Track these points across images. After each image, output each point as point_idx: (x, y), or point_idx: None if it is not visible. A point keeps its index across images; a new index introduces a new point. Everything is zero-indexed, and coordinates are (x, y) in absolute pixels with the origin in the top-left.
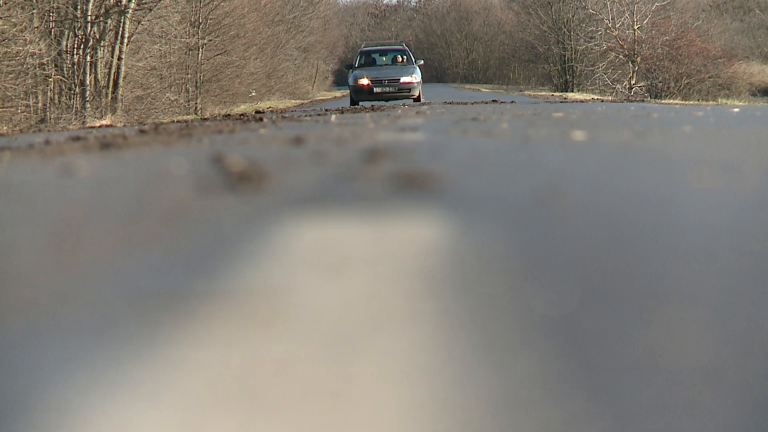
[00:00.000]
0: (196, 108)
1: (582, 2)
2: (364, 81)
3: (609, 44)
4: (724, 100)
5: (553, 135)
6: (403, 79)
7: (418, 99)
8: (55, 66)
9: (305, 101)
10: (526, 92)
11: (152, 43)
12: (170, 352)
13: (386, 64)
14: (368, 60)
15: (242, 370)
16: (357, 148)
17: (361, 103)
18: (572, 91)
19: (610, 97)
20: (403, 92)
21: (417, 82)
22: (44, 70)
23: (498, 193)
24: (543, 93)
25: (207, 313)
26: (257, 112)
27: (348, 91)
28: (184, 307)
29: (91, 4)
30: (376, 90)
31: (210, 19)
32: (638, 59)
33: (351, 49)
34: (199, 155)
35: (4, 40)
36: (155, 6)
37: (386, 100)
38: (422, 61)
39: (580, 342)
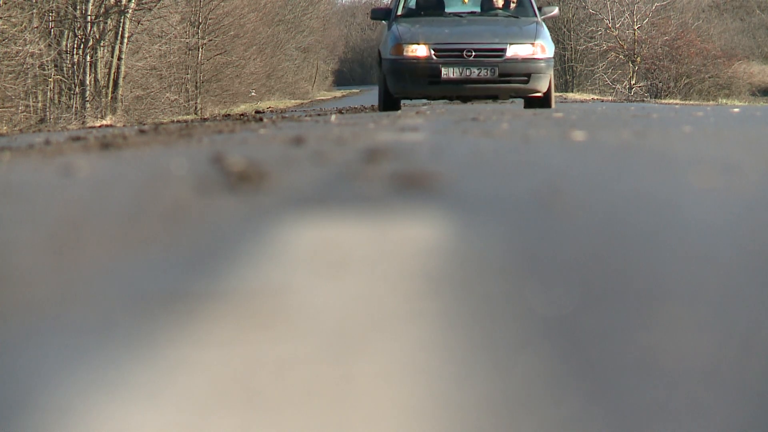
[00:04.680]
0: (196, 108)
1: (582, 2)
2: (419, 50)
3: (609, 44)
4: (724, 100)
5: (553, 135)
6: (512, 50)
7: (546, 100)
8: (55, 66)
9: (305, 101)
10: None
11: (152, 43)
12: (170, 352)
13: (470, 14)
14: (429, 1)
15: (242, 370)
16: (357, 148)
17: (404, 101)
18: (572, 91)
19: (610, 97)
20: (513, 79)
21: (545, 59)
22: (44, 70)
23: (498, 193)
24: None
25: (207, 313)
26: (257, 112)
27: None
28: (184, 307)
29: (91, 4)
30: (448, 73)
31: (210, 19)
32: (638, 59)
33: (351, 49)
34: (199, 155)
35: (4, 40)
36: (155, 6)
37: (467, 99)
38: (556, 10)
39: (580, 342)
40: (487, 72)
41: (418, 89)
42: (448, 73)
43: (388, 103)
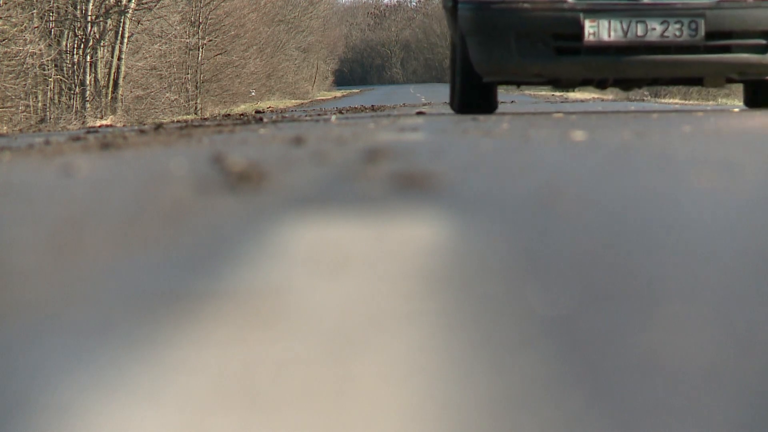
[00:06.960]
0: (196, 108)
1: None
2: None
3: None
4: (724, 100)
5: (553, 135)
6: None
7: None
8: (55, 66)
9: (305, 101)
10: (526, 92)
11: (152, 43)
12: (170, 353)
13: None
14: None
15: (242, 370)
16: (357, 148)
17: (495, 91)
18: (572, 91)
19: (610, 96)
20: (736, 44)
21: None
22: (44, 70)
23: (498, 193)
24: (543, 93)
25: (207, 313)
26: (257, 112)
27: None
28: (184, 307)
29: (91, 4)
30: (598, 31)
31: (210, 19)
32: None
33: (351, 48)
34: (199, 155)
35: (4, 40)
36: (155, 6)
37: (631, 85)
38: None
39: (580, 342)
40: (680, 29)
41: (533, 65)
42: (599, 30)
43: (469, 94)
